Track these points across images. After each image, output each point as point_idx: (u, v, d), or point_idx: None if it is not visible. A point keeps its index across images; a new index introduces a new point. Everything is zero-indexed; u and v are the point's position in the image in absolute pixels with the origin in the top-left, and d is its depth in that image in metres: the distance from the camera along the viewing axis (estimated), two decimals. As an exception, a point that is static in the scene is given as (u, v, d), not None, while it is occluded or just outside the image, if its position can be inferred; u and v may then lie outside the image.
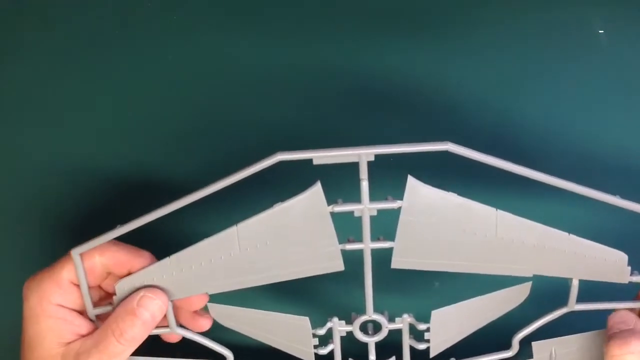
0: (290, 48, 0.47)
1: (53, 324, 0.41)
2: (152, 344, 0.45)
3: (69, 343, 0.41)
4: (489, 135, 0.48)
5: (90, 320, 0.42)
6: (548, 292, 0.43)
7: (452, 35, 0.47)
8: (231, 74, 0.48)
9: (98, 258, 0.41)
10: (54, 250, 0.44)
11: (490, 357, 0.46)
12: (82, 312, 0.42)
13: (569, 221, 0.42)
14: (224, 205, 0.43)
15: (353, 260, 0.41)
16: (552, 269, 0.41)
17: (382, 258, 0.41)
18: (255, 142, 0.39)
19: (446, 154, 0.37)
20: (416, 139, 0.39)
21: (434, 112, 0.47)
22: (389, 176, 0.38)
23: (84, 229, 0.42)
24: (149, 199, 0.40)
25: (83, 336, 0.41)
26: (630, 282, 0.42)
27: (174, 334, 0.45)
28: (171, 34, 0.47)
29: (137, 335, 0.40)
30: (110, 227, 0.40)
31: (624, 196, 0.40)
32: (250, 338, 0.45)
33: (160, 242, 0.42)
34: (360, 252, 0.41)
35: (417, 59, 0.47)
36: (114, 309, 0.41)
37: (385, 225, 0.40)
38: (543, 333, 0.45)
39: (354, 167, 0.38)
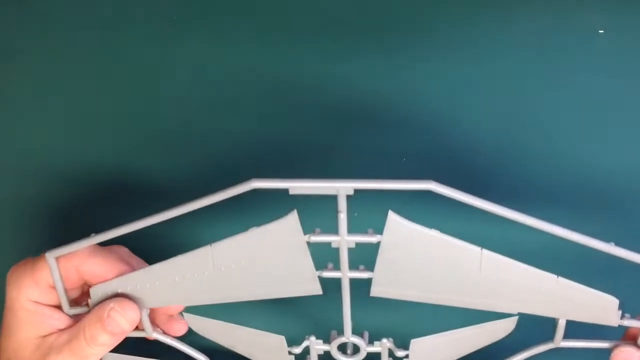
0: (284, 57, 0.47)
1: (30, 317, 0.41)
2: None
3: (46, 336, 0.41)
4: (486, 138, 0.47)
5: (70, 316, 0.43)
6: (535, 322, 0.41)
7: (449, 36, 0.47)
8: (228, 78, 0.48)
9: (75, 270, 0.41)
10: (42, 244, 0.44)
11: (470, 386, 0.45)
12: (61, 308, 0.42)
13: (558, 258, 0.40)
14: (201, 220, 0.43)
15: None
16: (539, 309, 0.40)
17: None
18: (247, 148, 0.39)
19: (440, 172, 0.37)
20: (409, 152, 0.38)
21: (430, 120, 0.46)
22: (371, 202, 0.37)
23: (71, 226, 0.42)
24: (140, 199, 0.40)
25: (61, 330, 0.42)
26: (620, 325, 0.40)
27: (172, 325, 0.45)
28: (171, 34, 0.47)
29: (106, 342, 0.41)
30: (97, 228, 0.40)
31: (622, 201, 0.42)
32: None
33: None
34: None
35: (409, 70, 0.47)
36: (89, 310, 0.41)
37: (367, 252, 0.39)
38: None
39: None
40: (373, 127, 0.46)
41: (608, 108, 0.48)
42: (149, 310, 0.42)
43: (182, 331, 0.45)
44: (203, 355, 0.45)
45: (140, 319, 0.42)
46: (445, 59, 0.47)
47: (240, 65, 0.47)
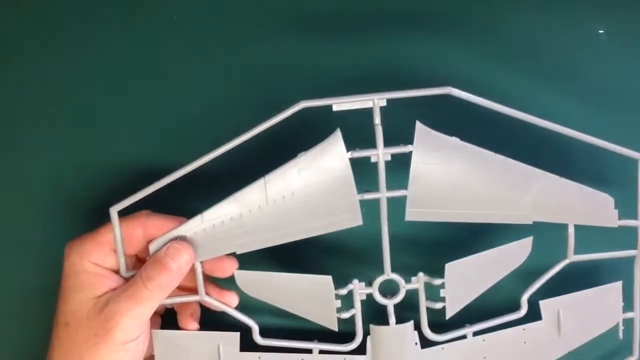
0: (287, 47, 0.51)
1: (90, 278, 0.43)
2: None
3: (101, 295, 0.43)
4: (486, 137, 0.48)
5: (125, 278, 0.44)
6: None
7: (449, 36, 0.50)
8: (230, 73, 0.51)
9: (139, 229, 0.44)
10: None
11: (502, 319, 0.48)
12: (118, 272, 0.44)
13: (563, 169, 0.45)
14: (252, 163, 0.45)
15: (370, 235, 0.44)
16: (549, 215, 0.45)
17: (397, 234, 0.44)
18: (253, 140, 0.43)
19: (449, 101, 0.42)
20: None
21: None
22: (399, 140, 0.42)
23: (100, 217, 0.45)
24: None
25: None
26: (619, 226, 0.46)
27: (188, 322, 0.47)
28: (170, 34, 0.51)
29: (163, 283, 0.42)
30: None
31: (621, 195, 0.45)
32: (271, 318, 0.47)
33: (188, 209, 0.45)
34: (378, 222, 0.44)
35: (413, 60, 0.51)
36: None
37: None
38: (550, 294, 0.48)
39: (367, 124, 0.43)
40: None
41: (608, 108, 0.50)
42: (203, 266, 0.45)
43: (233, 303, 0.46)
44: (252, 320, 0.46)
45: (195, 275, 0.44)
46: (445, 58, 0.50)
47: (240, 62, 0.51)
